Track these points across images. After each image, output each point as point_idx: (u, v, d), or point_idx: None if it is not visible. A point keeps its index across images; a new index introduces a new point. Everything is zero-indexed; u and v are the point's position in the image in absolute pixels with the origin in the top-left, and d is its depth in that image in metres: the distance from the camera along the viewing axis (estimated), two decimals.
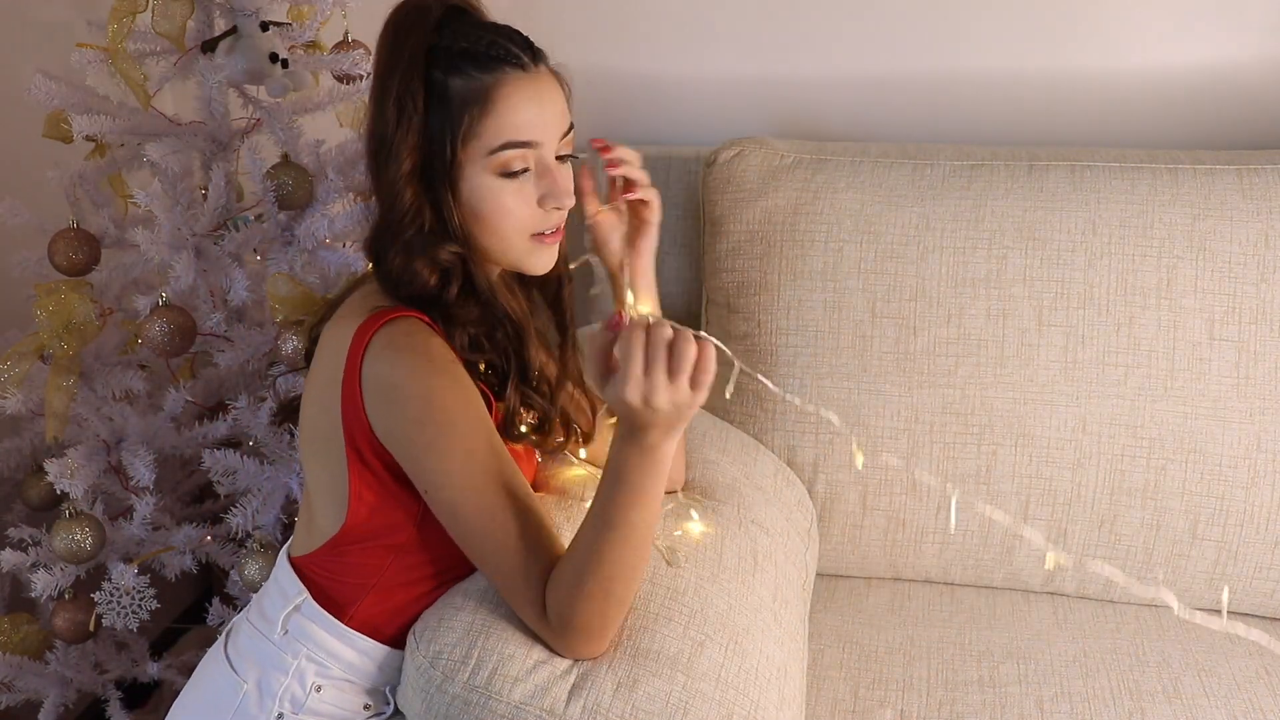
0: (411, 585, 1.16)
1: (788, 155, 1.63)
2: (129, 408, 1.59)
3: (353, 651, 1.16)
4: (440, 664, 1.07)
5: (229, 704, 1.17)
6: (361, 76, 1.64)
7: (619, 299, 1.24)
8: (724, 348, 1.01)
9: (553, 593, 1.05)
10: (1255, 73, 1.73)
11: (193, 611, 2.06)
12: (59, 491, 1.52)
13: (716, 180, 1.63)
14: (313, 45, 1.68)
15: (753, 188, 1.61)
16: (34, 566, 1.55)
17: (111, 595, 1.52)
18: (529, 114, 1.07)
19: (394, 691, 1.18)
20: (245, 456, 1.54)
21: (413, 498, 1.10)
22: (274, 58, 1.57)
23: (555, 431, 1.20)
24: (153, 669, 1.67)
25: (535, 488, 1.25)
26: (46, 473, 1.51)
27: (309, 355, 1.20)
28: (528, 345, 1.14)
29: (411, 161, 1.07)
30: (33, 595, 1.54)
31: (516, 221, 1.09)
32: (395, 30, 1.09)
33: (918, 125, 1.85)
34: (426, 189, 1.09)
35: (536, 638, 1.08)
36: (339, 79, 1.67)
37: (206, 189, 1.58)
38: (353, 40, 1.70)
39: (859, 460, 1.50)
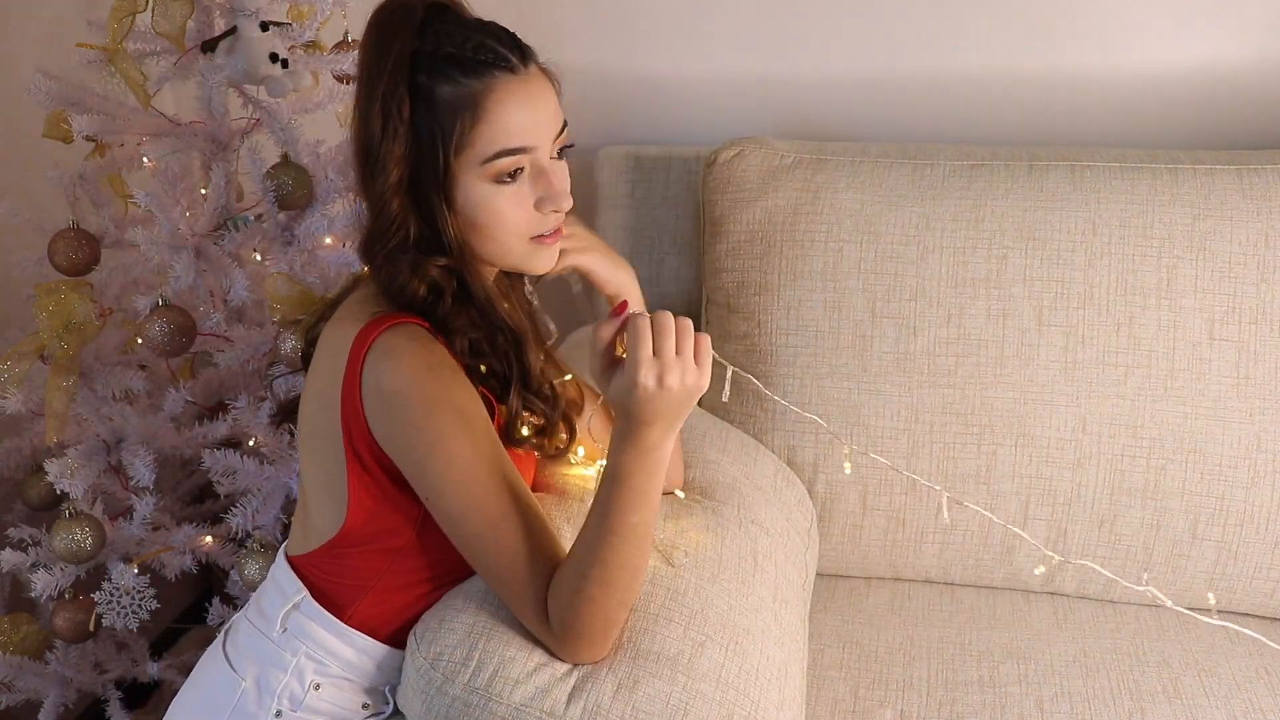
0: (410, 588, 1.15)
1: (788, 155, 1.63)
2: (129, 408, 1.59)
3: (351, 650, 1.16)
4: (440, 666, 1.07)
5: (227, 701, 1.17)
6: None
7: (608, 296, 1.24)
8: (714, 353, 1.03)
9: (555, 598, 1.05)
10: (1255, 73, 1.73)
11: (193, 611, 2.06)
12: (59, 491, 1.52)
13: (716, 180, 1.63)
14: (313, 45, 1.68)
15: (753, 188, 1.61)
16: (34, 566, 1.55)
17: (111, 595, 1.52)
18: (522, 119, 1.05)
19: (393, 691, 1.18)
20: (245, 456, 1.54)
21: (412, 502, 1.10)
22: (274, 58, 1.57)
23: (558, 435, 1.19)
24: (153, 669, 1.67)
25: (534, 488, 1.25)
26: (46, 473, 1.51)
27: (306, 356, 1.20)
28: (527, 350, 1.13)
29: (399, 172, 1.05)
30: (33, 595, 1.54)
31: (514, 227, 1.08)
32: (379, 32, 1.06)
33: (918, 125, 1.85)
34: (415, 199, 1.07)
35: (538, 641, 1.08)
36: (339, 79, 1.67)
37: (206, 189, 1.58)
38: (353, 40, 1.70)
39: (846, 467, 1.50)
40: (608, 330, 1.01)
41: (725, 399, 1.16)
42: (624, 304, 1.01)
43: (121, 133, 1.56)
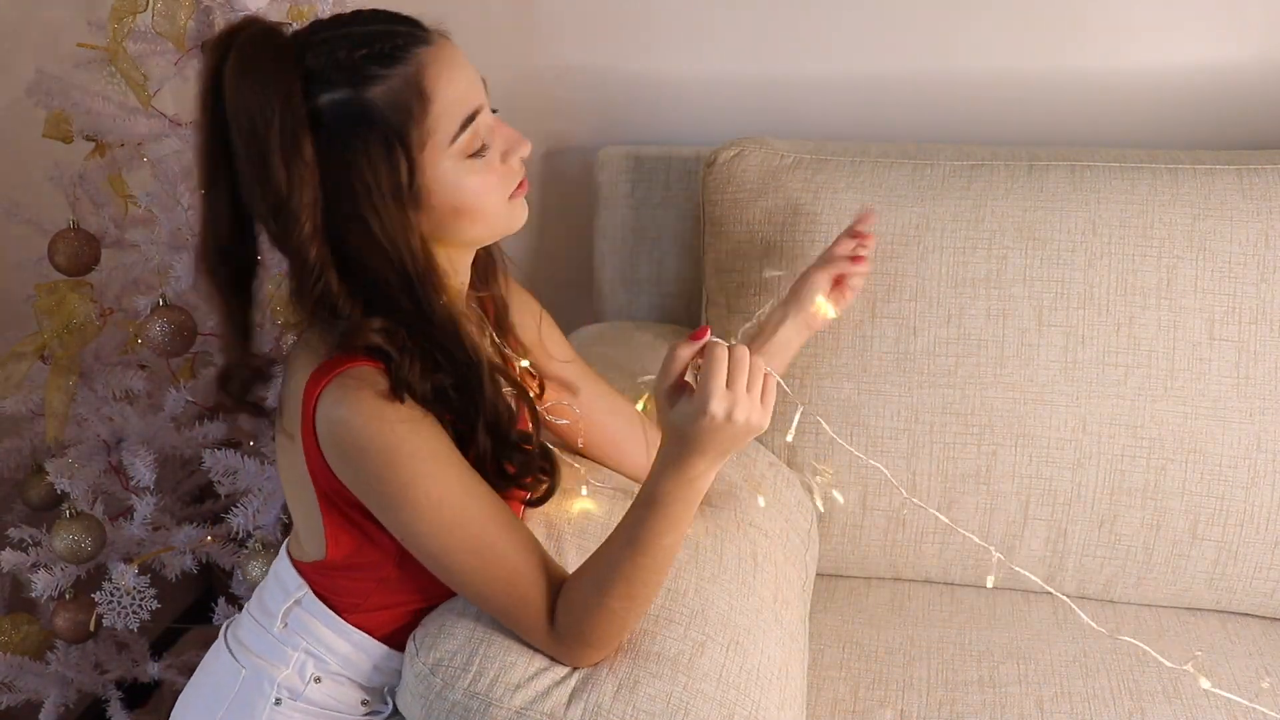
0: (402, 605, 1.15)
1: (788, 155, 1.63)
2: (129, 408, 1.59)
3: (349, 646, 1.16)
4: (441, 671, 1.07)
5: (229, 689, 1.17)
6: None
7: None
8: (784, 385, 1.06)
9: (567, 611, 1.04)
10: (1255, 73, 1.73)
11: (193, 611, 2.06)
12: (59, 491, 1.52)
13: (716, 180, 1.63)
14: None
15: (753, 188, 1.61)
16: (34, 566, 1.55)
17: (112, 595, 1.52)
18: (460, 80, 1.02)
19: (392, 693, 1.18)
20: (246, 456, 1.54)
21: (389, 539, 1.08)
22: None
23: (539, 486, 1.14)
24: (153, 669, 1.67)
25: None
26: (46, 473, 1.52)
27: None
28: (486, 386, 1.06)
29: (312, 223, 0.98)
30: (33, 595, 1.54)
31: (495, 193, 1.06)
32: (247, 75, 0.96)
33: (918, 125, 1.84)
34: (333, 244, 1.00)
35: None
36: None
37: None
38: None
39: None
40: (686, 352, 1.00)
41: (790, 439, 1.15)
42: (705, 329, 1.01)
43: (121, 133, 1.56)
